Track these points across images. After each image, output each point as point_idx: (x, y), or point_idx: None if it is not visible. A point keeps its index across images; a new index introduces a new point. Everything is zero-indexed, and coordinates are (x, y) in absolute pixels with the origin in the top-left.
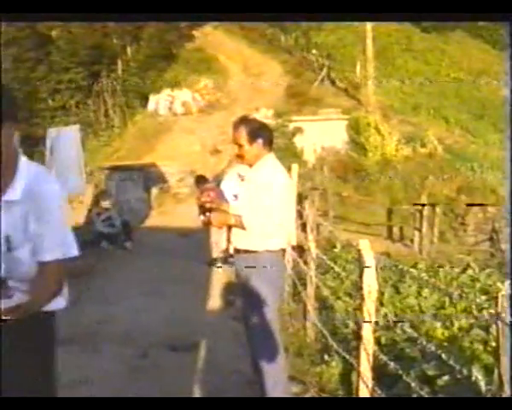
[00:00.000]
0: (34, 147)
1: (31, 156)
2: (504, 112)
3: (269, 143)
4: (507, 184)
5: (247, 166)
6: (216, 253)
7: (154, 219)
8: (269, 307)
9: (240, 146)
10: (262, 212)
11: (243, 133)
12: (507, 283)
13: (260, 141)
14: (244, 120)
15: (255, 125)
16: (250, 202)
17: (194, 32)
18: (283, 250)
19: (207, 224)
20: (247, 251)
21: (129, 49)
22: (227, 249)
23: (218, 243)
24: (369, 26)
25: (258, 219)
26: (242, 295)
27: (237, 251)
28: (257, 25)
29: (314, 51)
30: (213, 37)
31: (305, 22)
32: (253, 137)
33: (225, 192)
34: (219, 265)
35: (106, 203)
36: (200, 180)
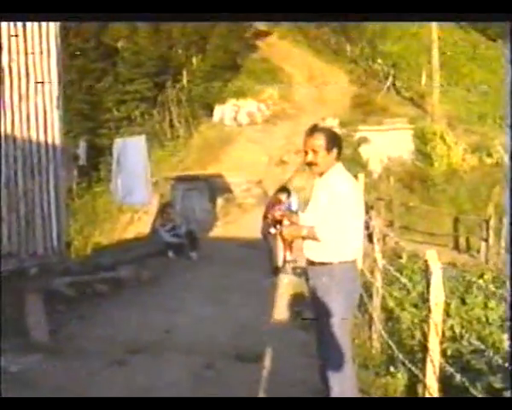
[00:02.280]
0: (100, 157)
1: (96, 166)
2: None
3: (340, 154)
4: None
5: (316, 174)
6: (279, 261)
7: (219, 229)
8: (344, 318)
9: (315, 152)
10: (335, 222)
11: (322, 140)
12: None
13: (335, 150)
14: (322, 128)
15: (333, 134)
16: (321, 212)
17: (259, 43)
18: (356, 260)
19: (281, 236)
20: (321, 263)
21: (194, 60)
22: (285, 260)
23: (280, 253)
24: (434, 34)
25: (331, 230)
26: (316, 307)
27: (311, 263)
28: (322, 35)
29: (379, 61)
30: (278, 47)
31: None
32: (331, 145)
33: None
34: (285, 273)
35: (170, 214)
36: (284, 191)
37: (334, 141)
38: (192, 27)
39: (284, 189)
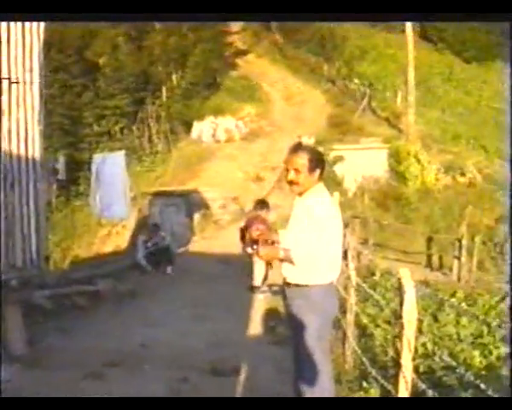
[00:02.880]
0: (79, 171)
1: (76, 180)
2: None
3: (322, 175)
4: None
5: (296, 194)
6: (258, 281)
7: (196, 245)
8: (321, 338)
9: (297, 172)
10: (313, 245)
11: (305, 160)
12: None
13: (318, 171)
14: (306, 147)
15: (317, 154)
16: (300, 234)
17: (239, 61)
18: (333, 282)
19: (258, 256)
20: (297, 285)
21: (174, 77)
22: (265, 277)
23: (261, 271)
24: (410, 56)
25: (308, 253)
26: (292, 326)
27: (288, 284)
28: (300, 54)
29: (356, 80)
30: (257, 65)
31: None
32: (314, 165)
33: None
34: (262, 292)
35: (153, 232)
36: (263, 206)
37: (317, 161)
38: (173, 45)
39: (263, 202)
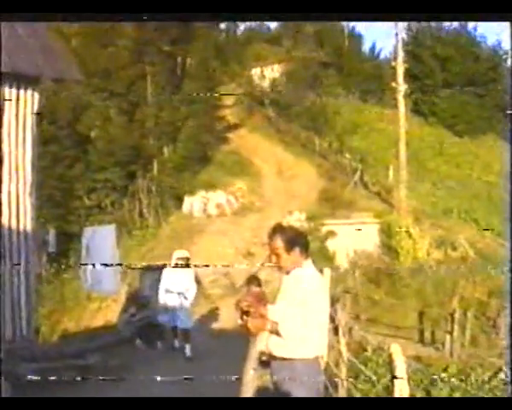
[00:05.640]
0: (69, 243)
1: (66, 253)
2: None
3: (305, 250)
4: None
5: (283, 273)
6: (253, 355)
7: None
8: None
9: (277, 256)
10: (298, 319)
11: (279, 243)
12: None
13: (297, 249)
14: (279, 230)
15: (291, 234)
16: (287, 309)
17: (230, 135)
18: (319, 357)
19: (247, 327)
20: (282, 358)
21: (165, 150)
22: (263, 352)
23: (256, 345)
24: (402, 130)
25: (294, 327)
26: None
27: (273, 357)
28: (292, 128)
29: (347, 155)
30: (248, 139)
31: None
32: (289, 246)
33: None
34: (254, 367)
35: (142, 303)
36: (253, 281)
37: (293, 241)
38: (164, 118)
39: (254, 278)
